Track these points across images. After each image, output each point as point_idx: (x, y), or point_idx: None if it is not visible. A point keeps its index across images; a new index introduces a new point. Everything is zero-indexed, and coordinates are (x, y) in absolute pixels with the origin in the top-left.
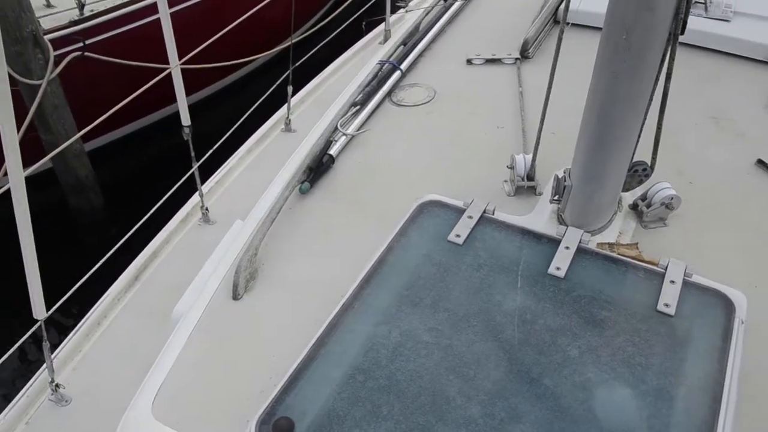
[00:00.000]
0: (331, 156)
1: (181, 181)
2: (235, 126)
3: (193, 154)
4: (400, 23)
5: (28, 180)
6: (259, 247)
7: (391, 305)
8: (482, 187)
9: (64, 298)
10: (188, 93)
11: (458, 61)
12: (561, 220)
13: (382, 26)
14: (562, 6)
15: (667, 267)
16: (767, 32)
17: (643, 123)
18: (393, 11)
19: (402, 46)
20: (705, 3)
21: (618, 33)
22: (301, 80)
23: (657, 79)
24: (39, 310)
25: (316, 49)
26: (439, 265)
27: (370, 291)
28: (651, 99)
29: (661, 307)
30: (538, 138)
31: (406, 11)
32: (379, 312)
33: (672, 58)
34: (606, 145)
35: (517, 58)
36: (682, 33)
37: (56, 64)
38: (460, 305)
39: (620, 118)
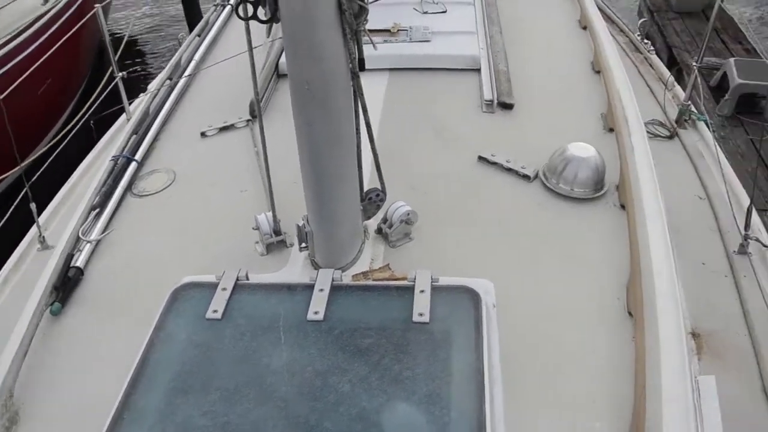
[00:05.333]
0: (78, 268)
1: None
2: None
3: None
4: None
5: None
6: (13, 387)
7: (161, 402)
8: (237, 255)
9: None
10: None
11: (193, 136)
12: (315, 265)
13: (123, 117)
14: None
15: (415, 279)
16: (461, 45)
17: (359, 155)
18: (130, 100)
19: (134, 136)
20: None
21: (300, 85)
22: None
23: (357, 115)
24: None
25: (48, 163)
26: (202, 346)
27: (137, 396)
28: (358, 132)
29: (416, 317)
30: (270, 192)
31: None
32: (150, 414)
33: (361, 94)
34: (328, 185)
35: (248, 120)
36: (362, 70)
37: None
38: (230, 379)
39: (333, 159)
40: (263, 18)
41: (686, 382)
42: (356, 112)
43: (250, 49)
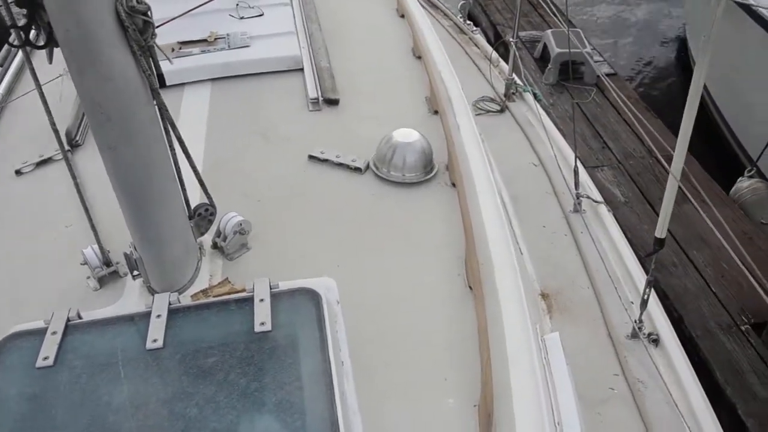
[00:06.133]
0: None
1: None
2: None
3: None
4: None
5: None
6: None
7: None
8: (70, 295)
9: None
10: None
11: (7, 175)
12: (152, 291)
13: None
14: None
15: (253, 288)
16: (281, 46)
17: (179, 172)
18: None
19: None
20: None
21: (96, 110)
22: None
23: (168, 132)
24: None
25: None
26: (35, 398)
27: None
28: (172, 149)
29: (258, 327)
30: (91, 223)
31: None
32: None
33: (166, 110)
34: (148, 207)
35: (67, 151)
36: (163, 86)
37: None
38: (70, 427)
39: (148, 180)
40: (39, 43)
41: (530, 344)
42: (166, 129)
43: (35, 77)
